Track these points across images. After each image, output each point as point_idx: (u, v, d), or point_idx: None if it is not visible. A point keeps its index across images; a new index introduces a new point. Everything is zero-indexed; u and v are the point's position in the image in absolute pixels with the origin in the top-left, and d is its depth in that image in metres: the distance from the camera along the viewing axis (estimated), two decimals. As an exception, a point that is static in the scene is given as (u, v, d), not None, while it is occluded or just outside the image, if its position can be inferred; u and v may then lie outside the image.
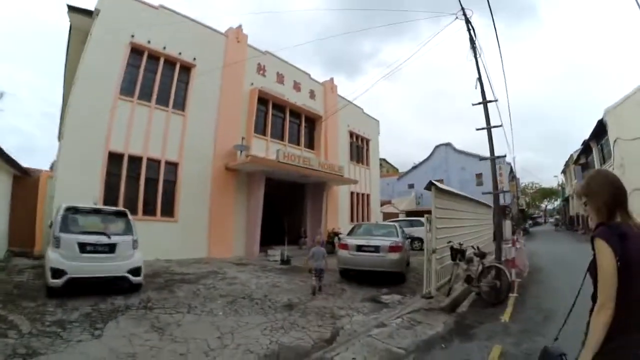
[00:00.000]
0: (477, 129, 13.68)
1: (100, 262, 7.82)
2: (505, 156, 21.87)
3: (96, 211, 8.68)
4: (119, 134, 13.90)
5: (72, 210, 8.22)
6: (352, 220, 25.28)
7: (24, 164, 13.53)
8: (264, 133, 19.17)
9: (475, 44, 13.32)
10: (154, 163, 14.79)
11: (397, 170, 59.05)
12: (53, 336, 5.45)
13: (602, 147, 26.70)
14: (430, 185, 9.74)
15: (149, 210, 14.46)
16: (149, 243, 13.69)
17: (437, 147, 45.87)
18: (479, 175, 40.08)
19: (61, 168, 12.74)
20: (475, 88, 13.53)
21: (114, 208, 8.88)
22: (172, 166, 15.28)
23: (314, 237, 11.13)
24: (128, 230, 8.54)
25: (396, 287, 10.35)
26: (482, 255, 9.58)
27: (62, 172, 12.63)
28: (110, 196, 13.36)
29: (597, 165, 26.74)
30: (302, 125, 21.86)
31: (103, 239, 7.91)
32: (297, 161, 17.09)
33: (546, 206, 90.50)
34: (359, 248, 10.72)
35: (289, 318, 7.01)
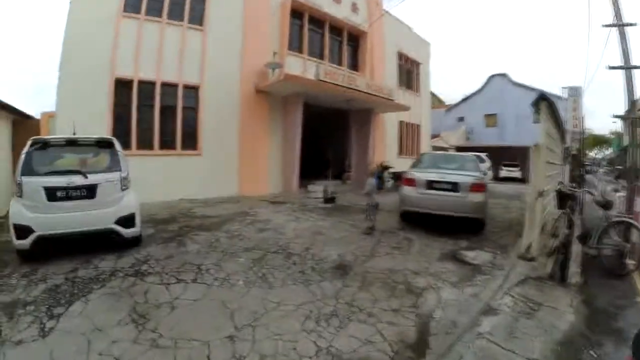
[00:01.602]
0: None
1: (76, 212, 5.57)
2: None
3: (71, 143, 6.22)
4: (126, 57, 11.55)
5: (40, 144, 5.89)
6: (400, 153, 22.61)
7: (38, 106, 11.61)
8: (299, 50, 16.23)
9: None
10: (170, 88, 12.37)
11: (442, 102, 54.81)
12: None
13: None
14: (539, 101, 6.87)
15: (167, 143, 12.28)
16: (169, 181, 11.86)
17: (491, 77, 41.12)
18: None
19: (61, 103, 10.63)
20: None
21: (94, 137, 6.37)
22: (192, 90, 12.82)
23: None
24: (114, 165, 6.14)
25: (475, 237, 7.88)
26: (606, 204, 6.81)
27: (62, 107, 10.58)
28: (120, 130, 11.22)
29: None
30: (345, 42, 18.64)
31: (77, 180, 5.59)
32: (340, 80, 14.24)
33: (596, 154, 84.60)
34: (430, 185, 8.14)
35: (343, 292, 4.61)
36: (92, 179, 5.69)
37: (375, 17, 19.44)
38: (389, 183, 17.08)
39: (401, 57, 23.05)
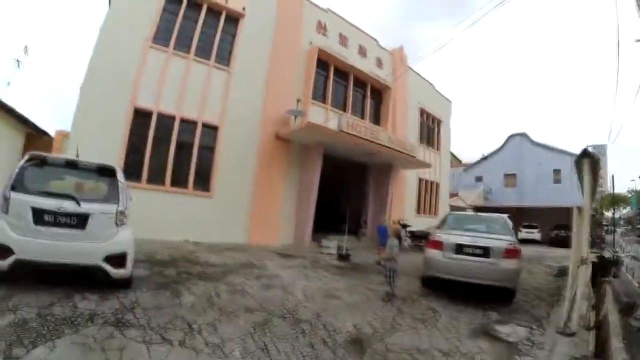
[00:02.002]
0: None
1: (62, 241, 4.92)
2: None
3: (70, 165, 5.68)
4: (149, 87, 11.39)
5: (37, 160, 5.37)
6: (418, 211, 21.84)
7: (59, 126, 11.38)
8: (323, 100, 16.01)
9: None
10: (189, 125, 12.06)
11: (459, 161, 54.14)
12: None
13: None
14: (582, 157, 6.23)
15: (180, 181, 11.79)
16: (175, 220, 11.26)
17: (510, 137, 40.19)
18: (557, 172, 35.32)
19: (76, 125, 10.33)
20: None
21: (96, 162, 5.79)
22: (211, 130, 12.48)
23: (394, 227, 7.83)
24: (112, 196, 5.51)
25: (505, 307, 7.07)
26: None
27: (78, 129, 10.25)
28: (132, 160, 10.97)
29: None
30: (368, 96, 18.48)
31: (68, 206, 4.99)
32: (362, 133, 13.80)
33: (613, 214, 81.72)
34: (460, 249, 7.34)
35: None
36: (85, 207, 5.08)
37: (399, 72, 19.31)
38: (406, 242, 16.25)
39: (423, 113, 22.89)
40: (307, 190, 13.87)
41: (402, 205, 19.56)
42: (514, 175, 38.61)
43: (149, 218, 10.52)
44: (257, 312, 5.40)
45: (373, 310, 6.16)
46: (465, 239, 7.45)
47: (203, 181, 12.19)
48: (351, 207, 18.42)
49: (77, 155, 6.29)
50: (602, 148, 20.94)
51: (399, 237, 16.19)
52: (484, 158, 42.32)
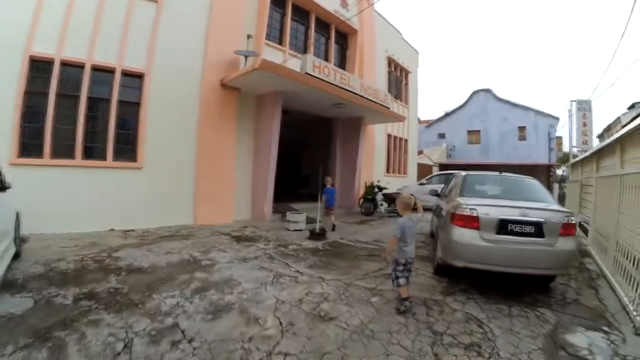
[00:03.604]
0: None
1: None
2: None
3: None
4: (49, 28, 8.15)
5: None
6: (388, 171, 19.64)
7: None
8: (280, 42, 13.08)
9: None
10: (104, 74, 8.91)
11: (418, 118, 52.11)
12: None
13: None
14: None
15: (95, 151, 8.85)
16: (95, 204, 8.39)
17: (474, 92, 38.63)
18: (522, 129, 34.99)
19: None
20: None
21: None
22: (135, 79, 9.37)
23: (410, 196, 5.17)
24: None
25: (546, 296, 5.30)
26: None
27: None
28: (30, 129, 8.07)
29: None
30: (332, 39, 15.62)
31: None
32: (332, 77, 11.10)
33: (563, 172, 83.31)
34: (504, 226, 5.04)
35: None
36: None
37: (365, 14, 16.52)
38: (382, 208, 14.00)
39: (391, 63, 20.42)
40: (265, 153, 11.17)
41: (371, 165, 17.31)
42: (477, 131, 37.64)
43: (60, 205, 8.01)
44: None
45: (397, 340, 3.72)
46: (510, 212, 5.12)
47: (127, 149, 9.21)
48: (314, 169, 16.06)
49: None
50: (587, 104, 19.35)
51: (370, 199, 14.03)
52: (447, 114, 40.72)
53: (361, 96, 12.27)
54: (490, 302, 4.84)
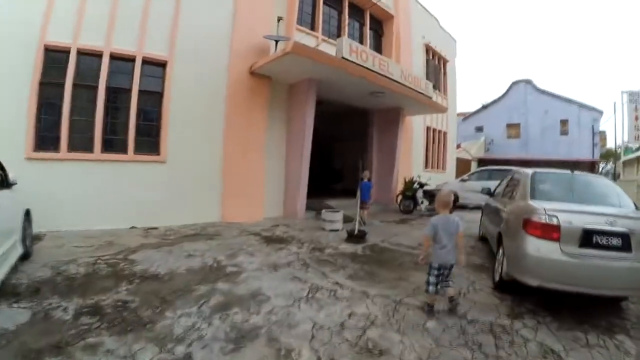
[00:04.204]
0: None
1: None
2: None
3: None
4: (63, 16, 7.57)
5: None
6: (426, 166, 18.55)
7: None
8: (312, 27, 12.22)
9: None
10: (123, 63, 8.28)
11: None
12: None
13: None
14: None
15: (116, 144, 8.23)
16: (116, 200, 7.76)
17: (514, 83, 36.93)
18: (564, 122, 33.32)
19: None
20: None
21: None
22: (157, 68, 8.70)
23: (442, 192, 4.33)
24: None
25: (620, 319, 4.33)
26: None
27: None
28: (46, 121, 7.56)
29: None
30: (367, 25, 14.60)
31: None
32: (370, 63, 10.17)
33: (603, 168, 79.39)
34: (588, 238, 4.13)
35: None
36: None
37: (401, 1, 15.48)
38: (423, 206, 12.98)
39: (428, 51, 19.20)
40: (298, 145, 10.35)
41: (409, 159, 16.25)
42: (517, 125, 36.04)
43: (78, 201, 7.49)
44: None
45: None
46: (596, 220, 4.17)
47: (149, 142, 8.56)
48: (349, 163, 15.20)
49: None
50: (637, 95, 17.78)
51: (410, 196, 13.04)
52: (485, 106, 39.14)
53: (401, 84, 11.27)
54: (563, 328, 3.88)
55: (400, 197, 13.36)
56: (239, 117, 9.57)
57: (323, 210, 9.19)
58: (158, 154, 8.54)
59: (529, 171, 5.81)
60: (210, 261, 5.74)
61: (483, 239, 8.03)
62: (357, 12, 14.27)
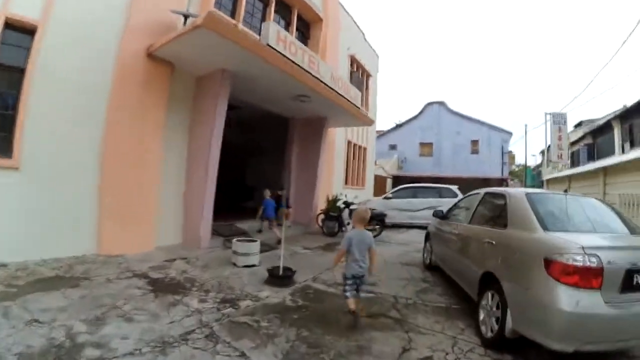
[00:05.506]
0: None
1: None
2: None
3: None
4: None
5: None
6: (346, 183, 17.26)
7: None
8: (232, 15, 10.22)
9: None
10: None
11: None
12: None
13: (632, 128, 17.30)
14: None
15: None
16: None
17: (428, 104, 38.81)
18: (475, 142, 35.78)
19: None
20: None
21: None
22: (22, 35, 6.18)
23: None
24: None
25: None
26: None
27: None
28: None
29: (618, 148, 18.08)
30: (294, 25, 12.96)
31: None
32: (300, 57, 8.42)
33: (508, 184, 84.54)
34: (630, 279, 3.14)
35: None
36: None
37: (331, 4, 14.19)
38: (350, 227, 11.45)
39: (353, 63, 18.23)
40: (204, 155, 8.22)
41: (330, 175, 14.82)
42: (430, 144, 37.94)
43: None
44: None
45: None
46: (637, 256, 3.32)
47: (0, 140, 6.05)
48: (263, 180, 13.47)
49: None
50: (562, 117, 18.54)
51: (334, 217, 11.49)
52: (399, 125, 40.60)
53: (332, 88, 9.70)
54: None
55: (322, 217, 11.79)
56: (127, 112, 7.26)
57: (234, 240, 7.14)
58: (9, 157, 5.99)
59: (517, 191, 4.72)
60: (61, 335, 3.54)
61: (433, 267, 7.15)
62: (284, 8, 12.61)
